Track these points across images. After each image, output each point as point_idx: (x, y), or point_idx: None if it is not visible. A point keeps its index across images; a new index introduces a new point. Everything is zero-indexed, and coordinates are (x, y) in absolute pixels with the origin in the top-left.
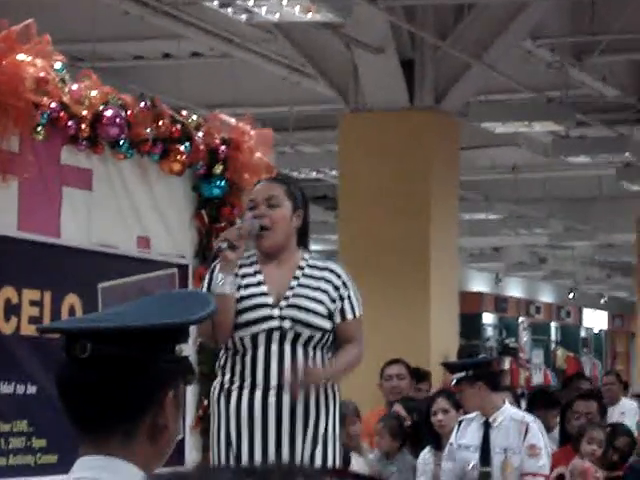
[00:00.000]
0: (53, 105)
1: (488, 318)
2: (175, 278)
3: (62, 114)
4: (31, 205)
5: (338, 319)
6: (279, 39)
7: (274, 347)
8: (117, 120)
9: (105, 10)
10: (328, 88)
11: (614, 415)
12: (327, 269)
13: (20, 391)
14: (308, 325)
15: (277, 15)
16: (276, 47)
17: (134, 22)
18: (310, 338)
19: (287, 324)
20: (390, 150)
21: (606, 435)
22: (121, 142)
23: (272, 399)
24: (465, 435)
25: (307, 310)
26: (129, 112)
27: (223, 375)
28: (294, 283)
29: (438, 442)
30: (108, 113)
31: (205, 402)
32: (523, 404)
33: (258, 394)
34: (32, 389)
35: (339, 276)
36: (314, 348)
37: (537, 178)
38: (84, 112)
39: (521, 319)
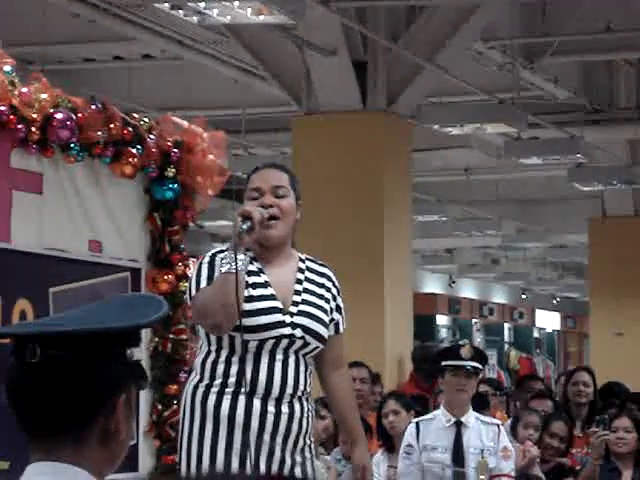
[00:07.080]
0: (2, 108)
1: (442, 319)
2: (127, 282)
3: (11, 117)
4: None
5: (332, 331)
6: (231, 41)
7: (279, 356)
8: (68, 123)
9: (55, 12)
10: (280, 90)
11: None
12: (325, 275)
13: None
14: (317, 336)
15: (229, 17)
16: (228, 49)
17: (84, 24)
18: (314, 349)
19: (298, 333)
20: (343, 152)
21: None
22: (72, 145)
23: (271, 409)
24: (429, 436)
25: (317, 320)
26: (80, 115)
27: (212, 377)
28: (299, 287)
29: (390, 444)
30: (58, 116)
31: (159, 407)
32: None
33: (257, 403)
34: None
35: (334, 284)
36: (305, 357)
37: (489, 180)
38: (34, 115)
39: (474, 320)
